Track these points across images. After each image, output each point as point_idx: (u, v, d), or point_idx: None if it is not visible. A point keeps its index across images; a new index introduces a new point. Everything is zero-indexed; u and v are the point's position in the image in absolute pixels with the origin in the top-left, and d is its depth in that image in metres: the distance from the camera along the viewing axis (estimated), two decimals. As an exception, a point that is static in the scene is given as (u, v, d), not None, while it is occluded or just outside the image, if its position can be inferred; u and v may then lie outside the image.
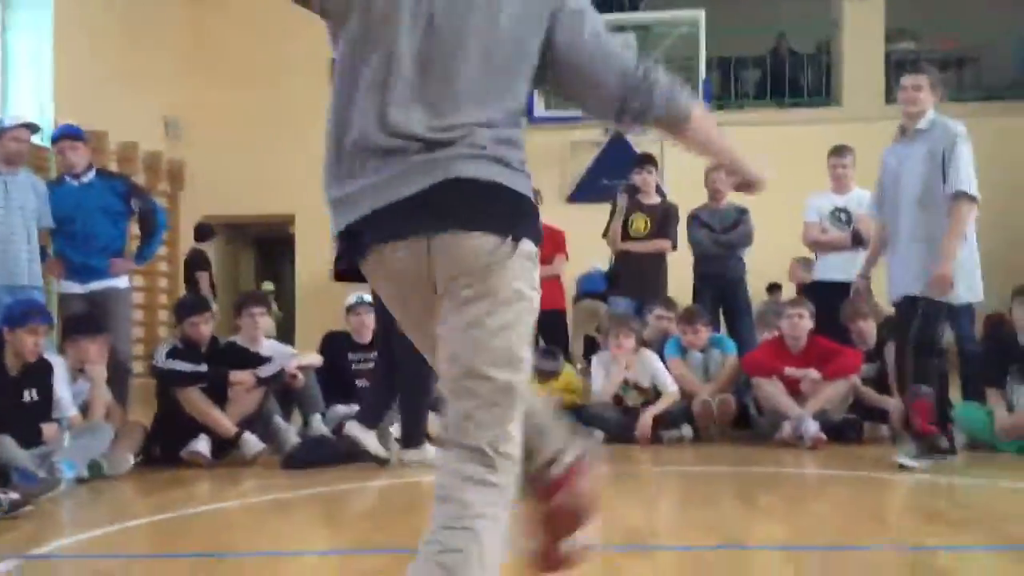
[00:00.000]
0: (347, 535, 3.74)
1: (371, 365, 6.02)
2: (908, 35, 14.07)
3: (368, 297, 6.36)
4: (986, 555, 3.13)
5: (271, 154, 12.63)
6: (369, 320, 6.22)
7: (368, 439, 5.15)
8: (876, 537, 3.54)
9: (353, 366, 6.30)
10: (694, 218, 7.31)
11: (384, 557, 3.20)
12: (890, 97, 13.68)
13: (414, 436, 5.21)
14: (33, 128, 5.99)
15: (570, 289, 9.53)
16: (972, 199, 4.86)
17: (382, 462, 5.15)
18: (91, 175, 6.15)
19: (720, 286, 7.16)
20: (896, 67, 13.87)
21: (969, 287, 4.95)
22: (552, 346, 6.85)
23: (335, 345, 6.41)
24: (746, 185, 2.22)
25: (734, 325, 7.22)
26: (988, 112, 13.08)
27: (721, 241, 7.15)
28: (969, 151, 4.95)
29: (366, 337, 6.28)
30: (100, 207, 6.05)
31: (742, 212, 7.18)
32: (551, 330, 7.48)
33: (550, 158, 13.19)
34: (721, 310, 7.22)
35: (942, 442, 4.88)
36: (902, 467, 4.74)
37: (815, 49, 14.25)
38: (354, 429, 5.14)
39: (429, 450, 5.11)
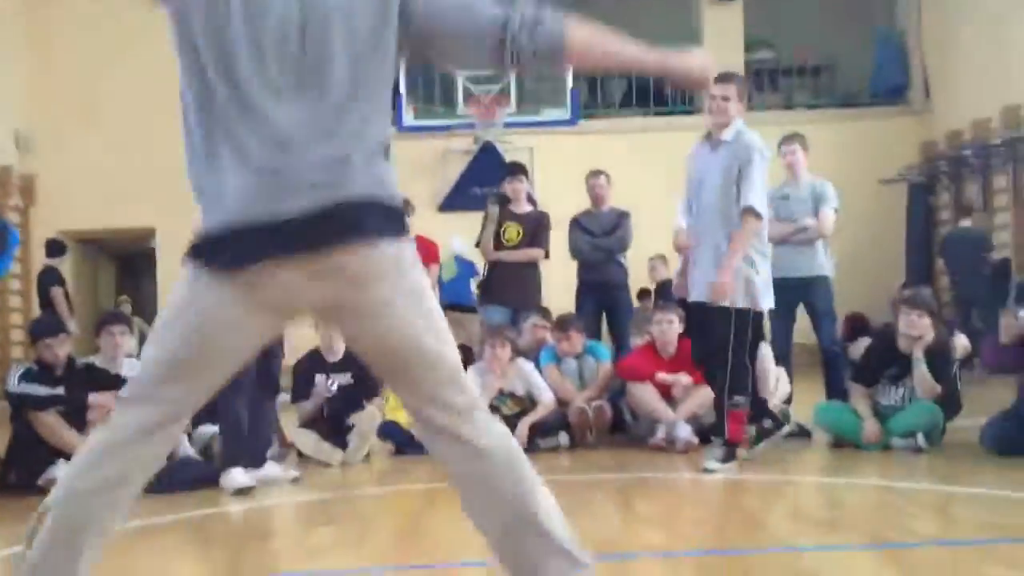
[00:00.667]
0: (220, 561, 3.58)
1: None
2: (766, 44, 14.56)
3: None
4: (855, 555, 3.20)
5: (128, 166, 12.19)
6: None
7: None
8: (751, 540, 3.59)
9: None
10: (575, 223, 7.35)
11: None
12: (749, 105, 14.13)
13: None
14: None
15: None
16: (759, 216, 5.02)
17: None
18: None
19: (602, 291, 7.22)
20: (755, 76, 14.35)
21: (764, 296, 5.12)
22: None
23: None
24: (690, 81, 2.17)
25: (617, 330, 7.28)
26: (844, 118, 13.66)
27: (601, 246, 7.21)
28: (765, 168, 5.10)
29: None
30: None
31: (622, 216, 7.27)
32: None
33: (421, 167, 13.12)
34: (604, 315, 7.29)
35: (767, 424, 5.28)
36: (707, 471, 4.89)
37: (679, 59, 14.58)
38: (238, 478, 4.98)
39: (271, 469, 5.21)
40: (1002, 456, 5.04)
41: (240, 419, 5.09)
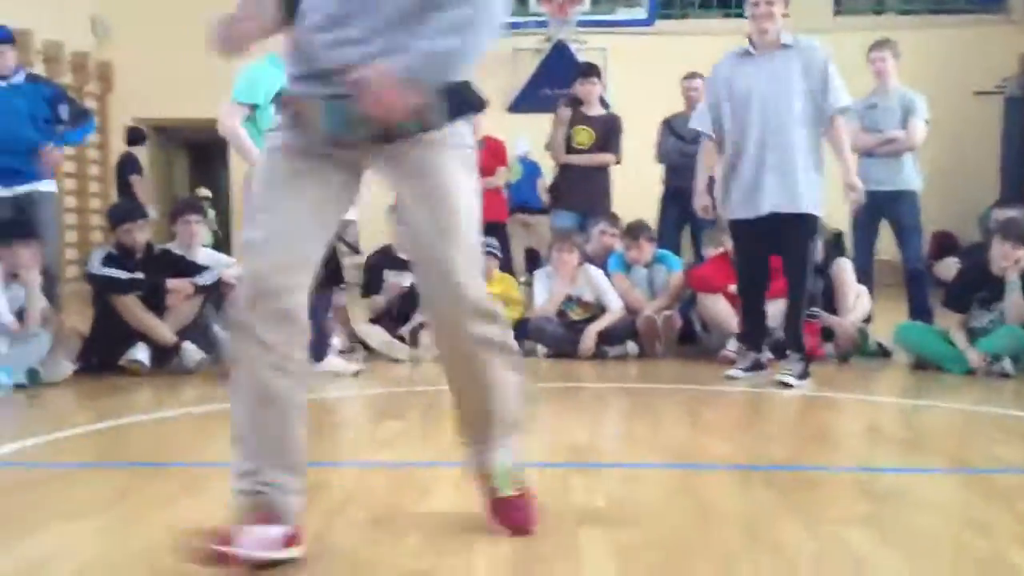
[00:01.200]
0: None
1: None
2: (859, -55, 13.91)
3: None
4: (935, 478, 3.12)
5: (204, 54, 12.19)
6: None
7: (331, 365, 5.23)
8: (823, 457, 3.53)
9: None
10: (666, 124, 7.18)
11: (323, 471, 3.10)
12: (838, 9, 13.57)
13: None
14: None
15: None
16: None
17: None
18: (20, 77, 5.97)
19: (687, 199, 7.08)
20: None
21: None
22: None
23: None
24: None
25: (697, 240, 7.15)
26: (938, 25, 13.04)
27: (690, 152, 7.04)
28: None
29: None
30: (27, 111, 5.84)
31: None
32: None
33: (490, 66, 12.85)
34: (688, 225, 7.16)
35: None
36: (784, 386, 4.85)
37: (765, -41, 14.01)
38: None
39: (332, 361, 5.27)
40: (1090, 383, 4.89)
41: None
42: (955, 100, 11.71)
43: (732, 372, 5.18)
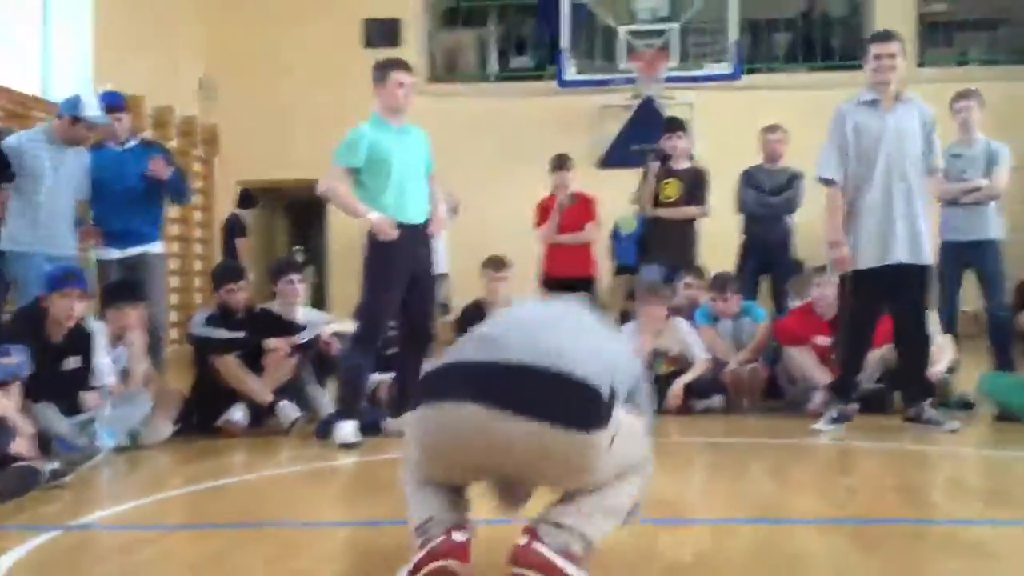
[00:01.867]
0: (386, 505, 3.77)
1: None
2: (941, -5, 13.85)
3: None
4: (1019, 530, 3.13)
5: (305, 117, 12.68)
6: None
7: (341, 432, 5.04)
8: (909, 510, 3.56)
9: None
10: (746, 176, 7.28)
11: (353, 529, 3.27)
12: (922, 60, 13.51)
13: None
14: (117, 107, 6.18)
15: (602, 255, 9.46)
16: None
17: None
18: (133, 142, 6.30)
19: (765, 250, 7.15)
20: (929, 28, 13.69)
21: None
22: None
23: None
24: None
25: (777, 291, 7.21)
26: (1020, 75, 12.87)
27: (769, 203, 7.12)
28: None
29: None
30: (139, 174, 6.08)
31: (794, 176, 7.17)
32: (582, 298, 7.50)
33: (580, 123, 13.13)
34: (768, 275, 7.23)
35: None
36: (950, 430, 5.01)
37: (847, 11, 14.05)
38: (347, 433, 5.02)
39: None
40: None
41: (359, 370, 5.12)
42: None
43: (818, 425, 5.21)
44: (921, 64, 13.47)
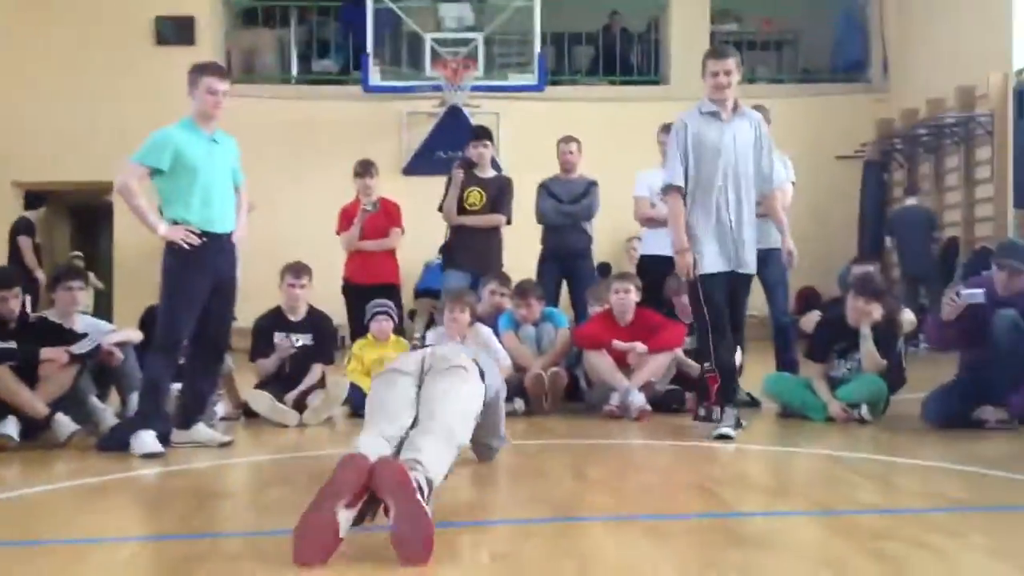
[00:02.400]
0: (167, 520, 3.60)
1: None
2: (732, 16, 14.62)
3: None
4: (800, 520, 3.29)
5: (79, 118, 12.03)
6: None
7: (194, 436, 5.08)
8: (698, 505, 3.68)
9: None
10: (543, 188, 7.38)
11: (205, 542, 3.10)
12: (714, 78, 14.21)
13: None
14: None
15: (407, 265, 9.44)
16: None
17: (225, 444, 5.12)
18: None
19: (564, 258, 7.28)
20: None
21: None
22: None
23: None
24: None
25: (576, 298, 7.35)
26: (805, 93, 13.76)
27: (567, 212, 7.25)
28: None
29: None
30: None
31: (591, 184, 7.32)
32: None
33: (385, 129, 13.05)
34: (567, 282, 7.35)
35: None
36: (728, 438, 4.99)
37: (645, 28, 14.60)
38: (178, 437, 5.05)
39: (200, 430, 5.11)
40: (942, 429, 5.20)
41: (160, 380, 4.99)
42: (819, 163, 12.36)
43: (725, 431, 5.04)
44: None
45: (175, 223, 4.91)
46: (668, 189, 5.30)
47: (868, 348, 5.68)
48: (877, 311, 5.74)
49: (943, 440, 4.91)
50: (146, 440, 4.81)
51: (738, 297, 5.35)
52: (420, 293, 11.61)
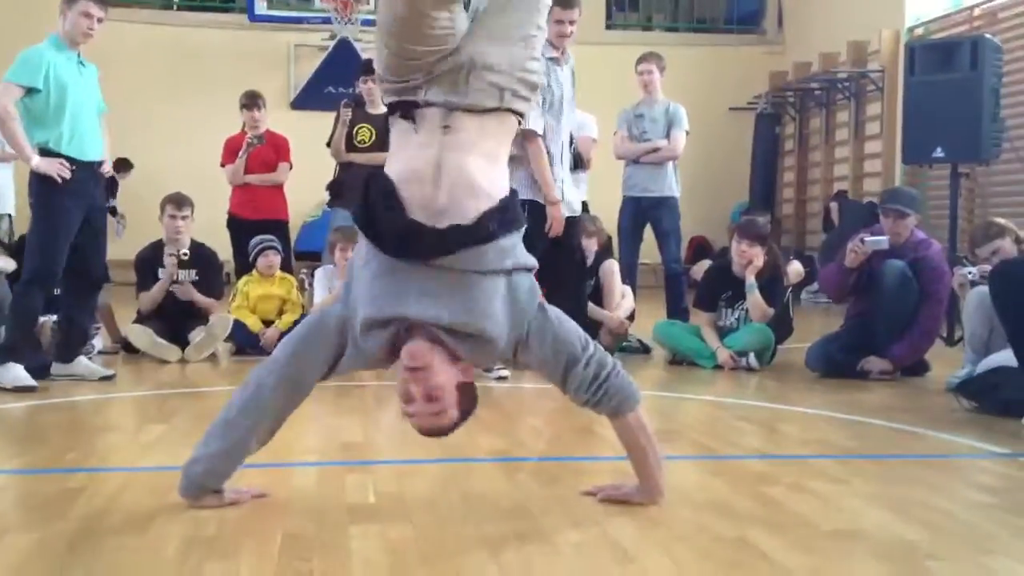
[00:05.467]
0: (41, 454, 3.44)
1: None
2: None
3: None
4: (684, 464, 3.33)
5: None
6: None
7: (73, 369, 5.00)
8: (586, 448, 3.70)
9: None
10: None
11: (82, 477, 2.97)
12: (610, 23, 14.17)
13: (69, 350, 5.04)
14: None
15: (296, 203, 9.19)
16: None
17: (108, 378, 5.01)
18: None
19: None
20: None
21: None
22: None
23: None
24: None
25: None
26: (700, 43, 13.87)
27: None
28: None
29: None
30: None
31: None
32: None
33: (273, 60, 12.65)
34: None
35: None
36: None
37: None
38: (58, 369, 4.97)
39: (81, 363, 5.02)
40: (825, 378, 5.34)
41: (32, 311, 4.84)
42: (712, 114, 12.49)
43: (504, 372, 5.23)
44: (609, 27, 14.12)
45: (43, 148, 4.71)
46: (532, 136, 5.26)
47: (754, 297, 5.77)
48: (759, 256, 5.82)
49: (828, 389, 5.04)
50: (17, 373, 4.64)
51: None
52: (298, 255, 11.16)
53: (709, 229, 11.72)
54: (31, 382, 4.66)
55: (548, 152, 5.21)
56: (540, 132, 5.20)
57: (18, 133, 4.66)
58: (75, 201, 4.77)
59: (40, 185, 4.72)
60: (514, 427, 4.13)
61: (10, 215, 8.14)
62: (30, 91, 4.68)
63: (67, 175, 4.67)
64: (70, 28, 4.78)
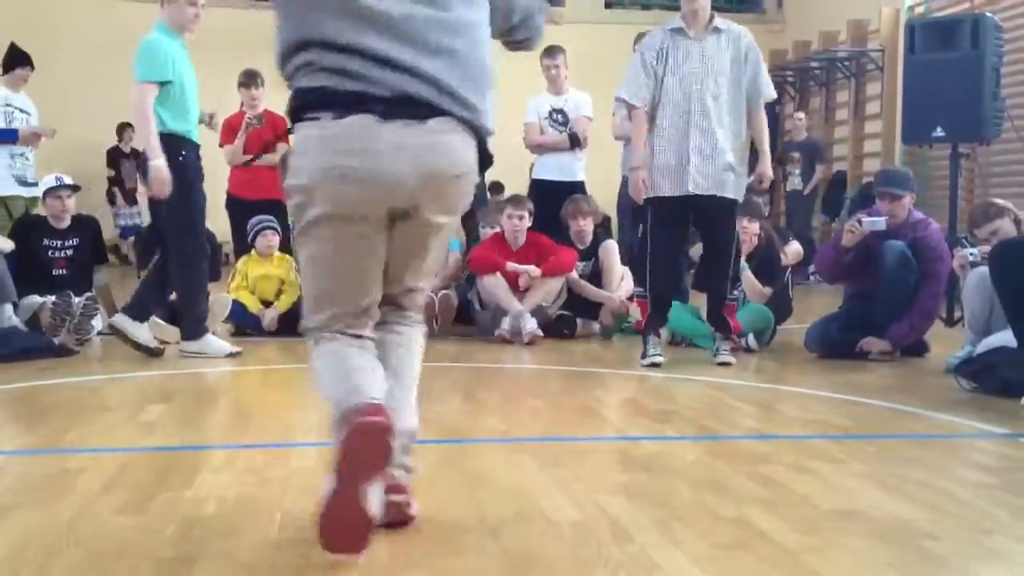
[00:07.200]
0: (40, 434, 3.44)
1: (70, 252, 6.03)
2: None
3: (69, 180, 6.02)
4: (683, 444, 3.33)
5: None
6: (69, 204, 6.04)
7: (138, 331, 5.10)
8: (586, 428, 3.70)
9: (50, 253, 5.98)
10: None
11: (82, 457, 2.97)
12: (608, 2, 14.09)
13: (193, 327, 5.19)
14: None
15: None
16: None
17: (155, 353, 5.10)
18: None
19: None
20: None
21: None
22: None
23: (29, 231, 5.99)
24: None
25: (469, 222, 7.23)
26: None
27: None
28: None
29: (64, 222, 6.01)
30: None
31: None
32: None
33: (270, 39, 12.57)
34: None
35: None
36: (726, 364, 5.07)
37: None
38: (123, 322, 5.07)
39: (210, 341, 5.15)
40: (824, 358, 5.34)
41: (204, 284, 5.22)
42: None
43: (652, 359, 5.01)
44: (609, 6, 14.05)
45: (182, 137, 4.93)
46: (625, 104, 5.11)
47: (748, 278, 5.77)
48: (754, 228, 5.80)
49: (828, 370, 5.04)
50: (220, 342, 5.20)
51: (703, 223, 5.15)
52: None
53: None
54: (235, 348, 5.15)
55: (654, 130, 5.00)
56: (637, 101, 4.98)
57: (153, 134, 4.81)
58: (201, 183, 5.07)
59: (178, 172, 4.89)
60: (515, 408, 4.14)
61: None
62: (162, 84, 4.85)
63: (168, 191, 4.84)
64: (178, 16, 4.93)
